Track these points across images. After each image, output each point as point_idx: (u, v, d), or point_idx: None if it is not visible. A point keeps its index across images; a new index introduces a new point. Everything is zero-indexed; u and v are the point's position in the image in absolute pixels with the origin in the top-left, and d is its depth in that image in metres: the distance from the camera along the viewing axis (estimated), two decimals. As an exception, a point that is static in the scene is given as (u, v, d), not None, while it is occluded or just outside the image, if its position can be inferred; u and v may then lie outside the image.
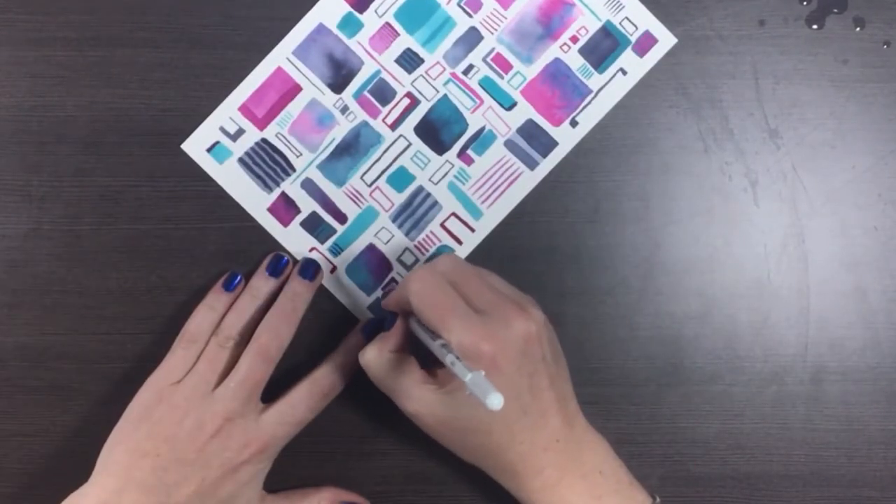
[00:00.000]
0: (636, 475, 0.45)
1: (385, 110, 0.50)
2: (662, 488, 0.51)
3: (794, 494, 0.51)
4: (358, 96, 0.50)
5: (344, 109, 0.50)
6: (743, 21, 0.51)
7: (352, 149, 0.50)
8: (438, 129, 0.50)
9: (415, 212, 0.50)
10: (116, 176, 0.51)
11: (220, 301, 0.49)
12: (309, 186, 0.50)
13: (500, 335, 0.41)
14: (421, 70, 0.50)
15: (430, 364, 0.46)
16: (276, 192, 0.50)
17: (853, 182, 0.51)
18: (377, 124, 0.50)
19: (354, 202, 0.50)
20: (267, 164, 0.50)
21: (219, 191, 0.51)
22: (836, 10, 0.51)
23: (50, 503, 0.50)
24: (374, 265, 0.50)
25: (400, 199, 0.50)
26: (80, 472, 0.47)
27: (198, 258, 0.51)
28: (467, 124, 0.50)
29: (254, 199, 0.50)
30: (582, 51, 0.50)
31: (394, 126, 0.50)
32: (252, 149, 0.50)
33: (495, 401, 0.36)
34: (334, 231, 0.50)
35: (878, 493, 0.51)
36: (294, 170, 0.50)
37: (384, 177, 0.50)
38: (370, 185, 0.50)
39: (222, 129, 0.50)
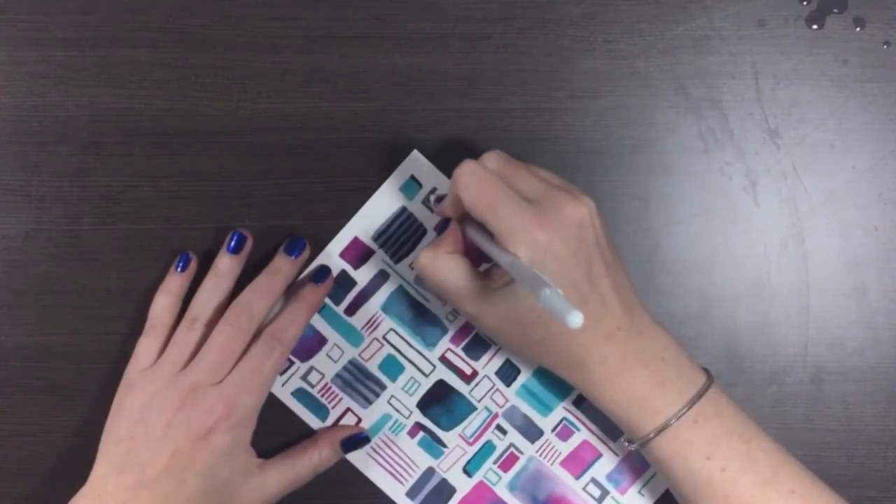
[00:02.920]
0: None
1: None
2: (662, 488, 0.51)
3: (794, 494, 0.51)
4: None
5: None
6: (743, 21, 0.51)
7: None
8: None
9: None
10: (116, 176, 0.51)
11: (174, 283, 0.49)
12: None
13: (553, 221, 0.41)
14: None
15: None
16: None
17: (853, 182, 0.51)
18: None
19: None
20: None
21: (219, 190, 0.51)
22: (836, 10, 0.51)
23: (50, 503, 0.50)
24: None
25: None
26: (81, 471, 0.47)
27: (198, 258, 0.51)
28: None
29: None
30: None
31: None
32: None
33: (575, 318, 0.35)
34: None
35: (878, 493, 0.51)
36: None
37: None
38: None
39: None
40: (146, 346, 0.48)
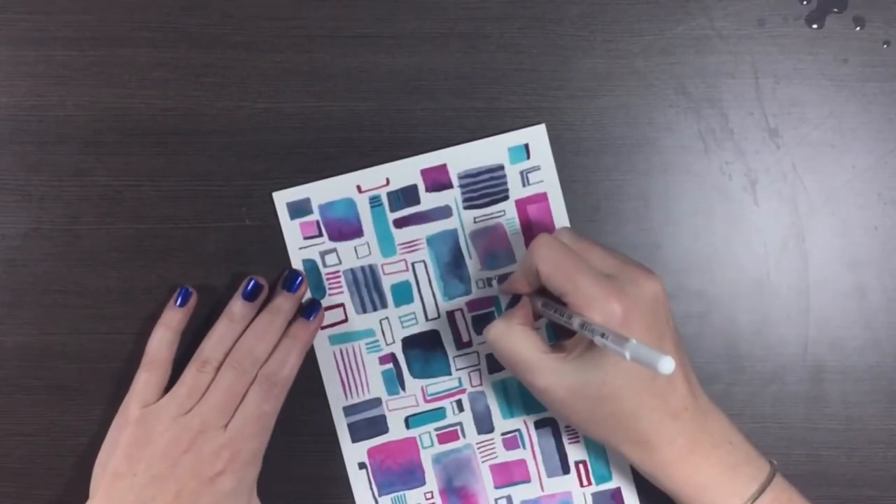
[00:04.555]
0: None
1: None
2: (662, 488, 0.51)
3: (794, 494, 0.51)
4: None
5: None
6: (743, 21, 0.51)
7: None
8: None
9: None
10: (116, 176, 0.51)
11: (174, 318, 0.49)
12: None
13: (630, 294, 0.42)
14: None
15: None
16: None
17: (853, 181, 0.51)
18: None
19: None
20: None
21: (219, 190, 0.51)
22: (835, 10, 0.51)
23: (50, 503, 0.50)
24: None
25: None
26: (80, 472, 0.47)
27: (198, 258, 0.51)
28: None
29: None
30: None
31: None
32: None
33: (667, 364, 0.35)
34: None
35: (879, 492, 0.51)
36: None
37: None
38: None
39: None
40: (146, 382, 0.48)
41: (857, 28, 0.51)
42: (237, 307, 0.49)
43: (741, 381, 0.51)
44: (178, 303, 0.49)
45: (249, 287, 0.49)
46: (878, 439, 0.51)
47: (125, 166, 0.51)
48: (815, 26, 0.51)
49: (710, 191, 0.51)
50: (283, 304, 0.49)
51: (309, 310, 0.50)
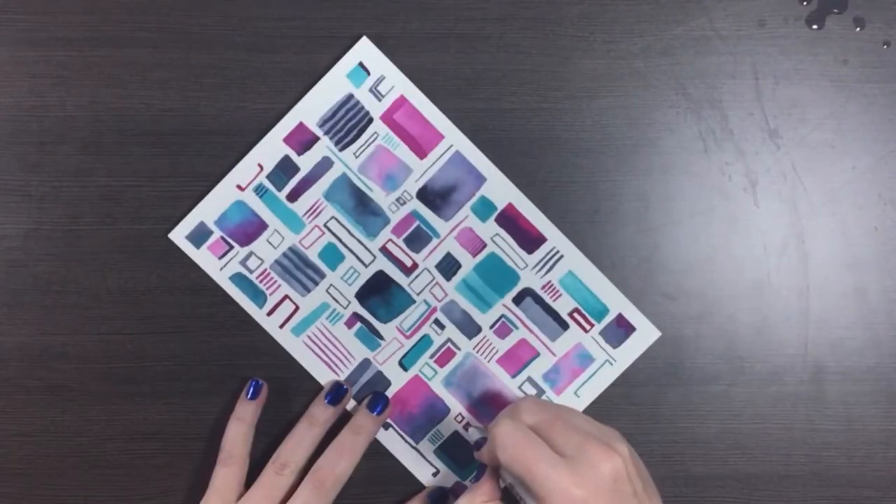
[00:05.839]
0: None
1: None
2: (662, 488, 0.51)
3: (794, 494, 0.51)
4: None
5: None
6: (743, 21, 0.51)
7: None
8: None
9: None
10: (116, 176, 0.51)
11: (247, 411, 0.49)
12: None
13: (589, 478, 0.42)
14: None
15: None
16: None
17: (853, 182, 0.51)
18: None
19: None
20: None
21: (219, 191, 0.51)
22: (836, 11, 0.51)
23: (50, 503, 0.50)
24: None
25: None
26: (80, 472, 0.47)
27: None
28: None
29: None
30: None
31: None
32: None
33: None
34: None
35: (879, 493, 0.51)
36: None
37: None
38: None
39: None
40: (224, 478, 0.48)
41: (858, 29, 0.51)
42: (319, 412, 0.49)
43: (741, 382, 0.51)
44: (250, 396, 0.50)
45: (334, 392, 0.50)
46: (879, 440, 0.51)
47: (125, 166, 0.51)
48: (815, 27, 0.51)
49: (710, 191, 0.51)
50: (367, 423, 0.49)
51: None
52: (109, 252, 0.51)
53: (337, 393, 0.50)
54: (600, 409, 0.51)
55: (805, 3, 0.51)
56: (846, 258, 0.51)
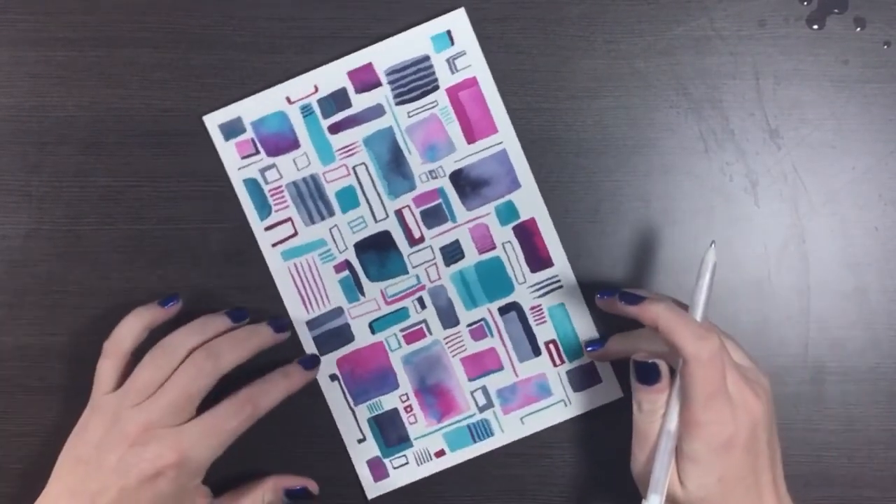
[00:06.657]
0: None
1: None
2: (663, 488, 0.51)
3: (794, 495, 0.51)
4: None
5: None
6: (743, 21, 0.51)
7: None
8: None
9: None
10: (116, 176, 0.51)
11: (151, 314, 0.48)
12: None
13: (738, 419, 0.43)
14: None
15: None
16: None
17: (854, 182, 0.51)
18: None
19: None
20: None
21: (219, 191, 0.51)
22: (836, 11, 0.51)
23: (50, 503, 0.50)
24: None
25: None
26: (81, 472, 0.46)
27: (198, 258, 0.51)
28: None
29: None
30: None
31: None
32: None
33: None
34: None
35: (879, 493, 0.51)
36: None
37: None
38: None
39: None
40: (106, 370, 0.47)
41: (858, 29, 0.51)
42: (219, 317, 0.48)
43: (741, 382, 0.51)
44: (162, 302, 0.49)
45: (243, 313, 0.49)
46: (879, 440, 0.51)
47: (125, 166, 0.51)
48: (815, 27, 0.51)
49: (711, 192, 0.51)
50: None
51: (309, 362, 0.50)
52: (109, 252, 0.51)
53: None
54: (600, 410, 0.51)
55: (805, 3, 0.51)
56: (846, 258, 0.51)
